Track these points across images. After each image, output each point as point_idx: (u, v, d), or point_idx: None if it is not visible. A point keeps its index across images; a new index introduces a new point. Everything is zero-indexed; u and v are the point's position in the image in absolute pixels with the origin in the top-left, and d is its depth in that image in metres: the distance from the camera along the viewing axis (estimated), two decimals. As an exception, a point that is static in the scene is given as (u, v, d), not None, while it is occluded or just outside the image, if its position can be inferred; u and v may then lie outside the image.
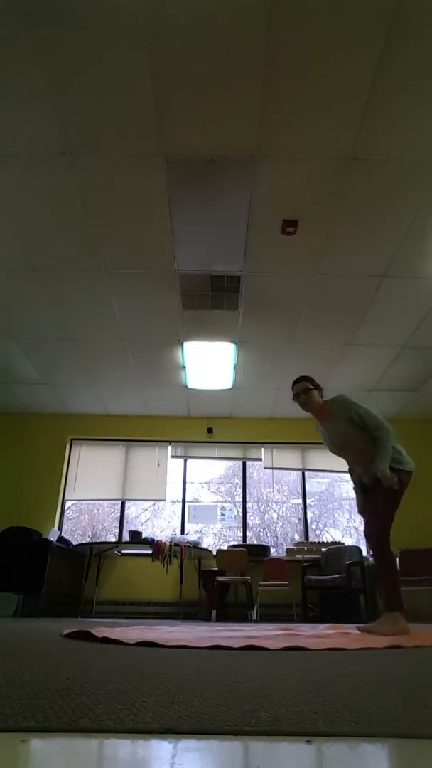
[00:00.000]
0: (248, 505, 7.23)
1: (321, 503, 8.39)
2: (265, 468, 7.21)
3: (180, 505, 7.05)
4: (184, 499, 7.07)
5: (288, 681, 0.97)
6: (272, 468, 7.21)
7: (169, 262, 4.13)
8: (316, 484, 7.75)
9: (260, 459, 7.19)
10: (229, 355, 5.55)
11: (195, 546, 6.17)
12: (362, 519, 3.14)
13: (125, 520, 7.17)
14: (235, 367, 5.82)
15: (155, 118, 2.94)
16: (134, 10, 2.40)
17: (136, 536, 6.15)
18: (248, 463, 7.32)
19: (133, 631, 2.41)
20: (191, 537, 6.45)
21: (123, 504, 7.14)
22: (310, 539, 6.93)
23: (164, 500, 7.05)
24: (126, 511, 7.26)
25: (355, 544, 6.13)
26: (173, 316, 4.85)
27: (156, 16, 2.43)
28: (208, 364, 5.75)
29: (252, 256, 4.04)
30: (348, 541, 6.79)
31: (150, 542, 6.00)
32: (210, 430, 7.17)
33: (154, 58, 2.61)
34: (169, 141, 3.08)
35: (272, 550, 6.63)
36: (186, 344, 5.34)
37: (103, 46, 2.56)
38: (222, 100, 2.83)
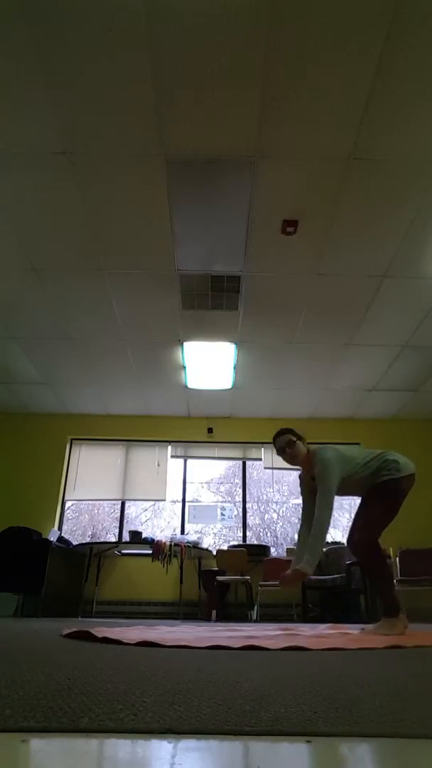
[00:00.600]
0: (248, 505, 7.23)
1: (321, 503, 8.36)
2: (265, 468, 7.21)
3: (180, 505, 7.05)
4: (184, 499, 7.07)
5: (288, 681, 0.97)
6: (272, 468, 7.21)
7: (169, 262, 4.13)
8: (316, 484, 7.74)
9: (260, 459, 7.19)
10: (229, 355, 5.55)
11: (195, 546, 6.17)
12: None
13: (125, 520, 7.17)
14: (235, 367, 5.82)
15: (155, 118, 2.94)
16: (134, 10, 2.40)
17: (136, 536, 6.15)
18: (248, 463, 7.32)
19: (133, 631, 2.41)
20: (191, 537, 6.45)
21: (123, 504, 7.14)
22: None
23: (164, 500, 7.05)
24: (126, 511, 7.26)
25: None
26: (173, 316, 4.85)
27: (156, 16, 2.43)
28: (208, 364, 5.75)
29: (252, 256, 4.04)
30: (348, 541, 6.77)
31: (150, 542, 5.99)
32: (210, 430, 7.17)
33: (154, 58, 2.61)
34: (169, 141, 3.08)
35: (272, 550, 6.63)
36: (186, 344, 5.34)
37: (103, 46, 2.56)
38: (222, 100, 2.83)
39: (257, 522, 9.00)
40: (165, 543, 5.95)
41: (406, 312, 4.72)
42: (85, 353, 5.58)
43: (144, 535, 6.18)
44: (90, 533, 8.83)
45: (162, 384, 6.29)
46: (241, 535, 6.94)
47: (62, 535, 6.38)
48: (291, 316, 4.83)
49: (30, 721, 0.62)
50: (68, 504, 7.16)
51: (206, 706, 0.72)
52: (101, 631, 2.09)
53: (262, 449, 7.21)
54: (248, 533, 6.98)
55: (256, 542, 7.15)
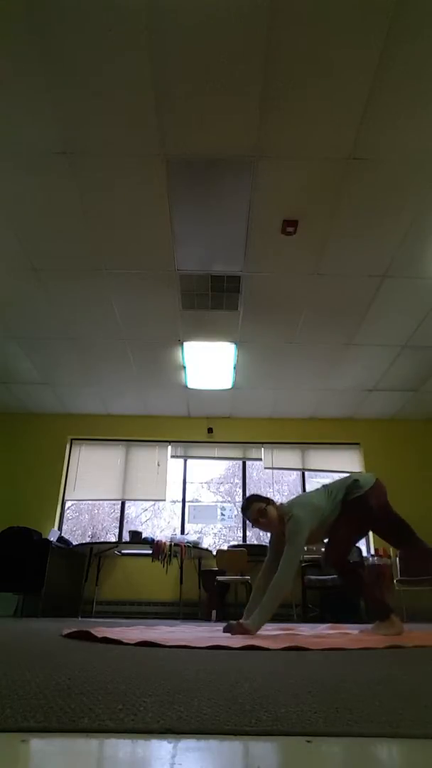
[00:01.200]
0: (248, 505, 7.22)
1: (321, 503, 8.38)
2: (265, 468, 7.21)
3: (180, 505, 7.05)
4: (184, 499, 7.07)
5: (288, 681, 0.97)
6: (272, 468, 7.21)
7: (169, 262, 4.13)
8: (316, 484, 7.73)
9: (260, 459, 7.19)
10: (229, 355, 5.55)
11: (195, 546, 6.17)
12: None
13: (125, 520, 7.17)
14: (235, 367, 5.82)
15: (155, 118, 2.94)
16: (135, 10, 2.40)
17: (136, 536, 6.15)
18: (248, 463, 7.32)
19: (133, 631, 2.41)
20: (191, 537, 6.45)
21: (123, 504, 7.14)
22: (310, 539, 6.92)
23: (164, 500, 7.05)
24: (126, 511, 7.26)
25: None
26: (173, 316, 4.85)
27: (156, 16, 2.43)
28: (208, 364, 5.75)
29: (252, 256, 4.04)
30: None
31: (150, 542, 5.99)
32: (210, 430, 7.17)
33: (154, 58, 2.61)
34: (169, 141, 3.08)
35: (272, 550, 6.62)
36: (186, 344, 5.34)
37: (103, 46, 2.55)
38: (222, 100, 2.83)
39: (257, 522, 8.99)
40: (165, 543, 5.95)
41: (406, 312, 4.72)
42: (85, 353, 5.58)
43: (144, 535, 6.18)
44: (90, 533, 8.82)
45: (162, 384, 6.29)
46: (241, 535, 6.94)
47: (62, 535, 6.38)
48: (291, 316, 4.83)
49: (30, 721, 0.62)
50: (68, 504, 7.16)
51: (206, 706, 0.72)
52: (101, 631, 2.09)
53: (262, 449, 7.21)
54: (248, 533, 6.98)
55: (256, 542, 7.14)
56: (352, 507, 2.77)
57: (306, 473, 7.26)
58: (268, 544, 2.93)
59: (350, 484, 2.82)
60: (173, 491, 7.09)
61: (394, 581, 5.67)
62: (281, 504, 2.82)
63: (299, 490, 7.25)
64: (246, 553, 5.68)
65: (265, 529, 2.84)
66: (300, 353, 5.49)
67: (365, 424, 7.18)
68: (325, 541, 2.85)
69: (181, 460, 7.26)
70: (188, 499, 7.14)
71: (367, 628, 2.80)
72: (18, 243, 3.91)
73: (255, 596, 2.72)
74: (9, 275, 4.29)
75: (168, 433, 7.18)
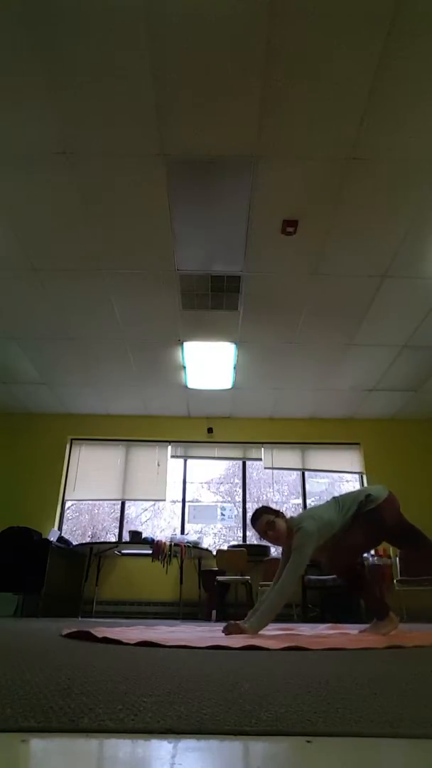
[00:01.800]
0: (248, 505, 7.23)
1: (321, 503, 8.39)
2: (265, 468, 7.21)
3: (180, 505, 7.05)
4: (184, 499, 7.07)
5: (288, 681, 0.97)
6: (272, 468, 7.21)
7: (169, 262, 4.13)
8: (316, 484, 7.74)
9: (260, 459, 7.19)
10: (229, 355, 5.55)
11: (195, 546, 6.16)
12: None
13: (125, 520, 7.17)
14: (235, 367, 5.82)
15: (155, 118, 2.94)
16: (134, 10, 2.40)
17: (136, 536, 6.14)
18: (248, 463, 7.32)
19: (133, 631, 2.41)
20: (191, 537, 6.45)
21: (123, 504, 7.14)
22: (310, 539, 6.91)
23: (164, 500, 7.05)
24: (126, 511, 7.26)
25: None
26: (173, 316, 4.85)
27: (156, 16, 2.43)
28: (208, 364, 5.75)
29: (252, 256, 4.04)
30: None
31: (150, 542, 5.99)
32: (210, 430, 7.17)
33: (154, 58, 2.61)
34: (169, 141, 3.08)
35: (272, 550, 6.62)
36: (186, 344, 5.34)
37: (103, 46, 2.56)
38: (222, 100, 2.83)
39: (257, 522, 8.98)
40: (165, 543, 5.95)
41: (406, 312, 4.72)
42: (85, 353, 5.58)
43: (144, 535, 6.17)
44: (90, 533, 8.82)
45: (162, 384, 6.29)
46: (241, 535, 6.94)
47: (62, 535, 6.38)
48: (291, 316, 4.83)
49: (30, 721, 0.62)
50: (68, 504, 7.16)
51: (206, 706, 0.72)
52: (101, 631, 2.09)
53: (262, 449, 7.21)
54: (248, 533, 6.97)
55: (256, 542, 7.14)
56: (365, 519, 2.74)
57: (306, 473, 7.26)
58: (268, 545, 2.92)
59: (363, 500, 2.78)
60: (173, 491, 7.09)
61: (394, 581, 5.67)
62: (291, 517, 2.78)
63: (299, 490, 7.25)
64: (246, 553, 5.68)
65: (273, 542, 2.81)
66: (300, 353, 5.49)
67: (365, 424, 7.18)
68: (333, 547, 2.79)
69: (181, 460, 7.26)
70: (188, 499, 7.14)
71: (367, 627, 2.80)
72: (18, 243, 3.91)
73: (260, 601, 2.69)
74: (9, 275, 4.29)
75: (168, 433, 7.18)
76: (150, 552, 5.92)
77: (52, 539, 5.78)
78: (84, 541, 7.06)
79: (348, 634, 2.61)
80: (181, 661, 1.29)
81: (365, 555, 5.76)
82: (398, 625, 2.69)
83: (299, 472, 7.29)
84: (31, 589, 5.20)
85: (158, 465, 7.09)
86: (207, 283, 4.39)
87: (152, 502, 8.30)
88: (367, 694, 0.84)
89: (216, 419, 7.22)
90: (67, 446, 7.13)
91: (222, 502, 8.10)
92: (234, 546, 6.37)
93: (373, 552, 6.12)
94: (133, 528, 6.64)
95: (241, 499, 7.13)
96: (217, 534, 8.04)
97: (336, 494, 3.03)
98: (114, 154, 3.17)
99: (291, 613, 5.86)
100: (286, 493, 8.60)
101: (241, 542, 6.78)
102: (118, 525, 7.13)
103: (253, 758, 0.55)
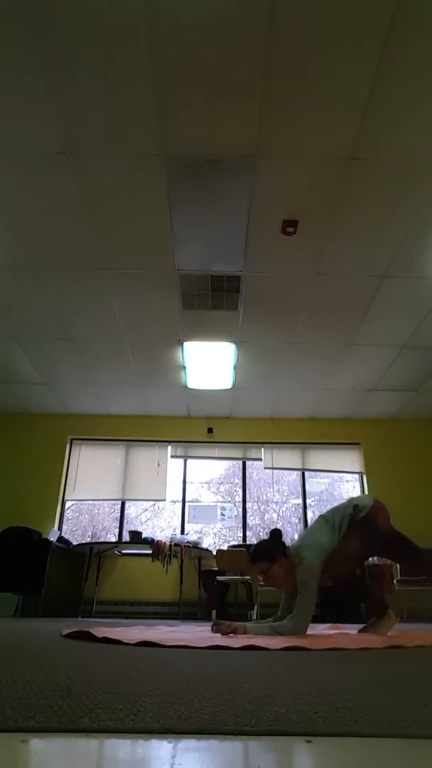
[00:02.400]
0: (248, 505, 7.23)
1: (321, 503, 8.39)
2: (265, 468, 7.21)
3: (180, 505, 7.05)
4: (184, 499, 7.07)
5: (288, 681, 0.97)
6: (272, 468, 7.21)
7: (169, 262, 4.13)
8: (316, 484, 7.75)
9: (260, 459, 7.19)
10: (229, 355, 5.55)
11: (195, 546, 6.16)
12: None
13: (125, 520, 7.17)
14: (235, 367, 5.82)
15: (155, 118, 2.94)
16: (134, 10, 2.40)
17: (136, 536, 6.14)
18: (248, 463, 7.32)
19: (133, 631, 2.41)
20: (191, 537, 6.45)
21: (123, 504, 7.14)
22: (310, 539, 6.92)
23: (164, 500, 7.05)
24: (126, 511, 7.26)
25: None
26: (173, 316, 4.85)
27: (156, 16, 2.43)
28: (208, 364, 5.75)
29: (252, 256, 4.04)
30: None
31: (150, 542, 5.99)
32: (210, 430, 7.17)
33: (154, 57, 2.61)
34: (169, 141, 3.08)
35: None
36: (186, 344, 5.34)
37: (103, 46, 2.55)
38: (222, 100, 2.83)
39: (257, 522, 8.99)
40: (165, 543, 5.95)
41: (406, 312, 4.72)
42: (85, 353, 5.58)
43: (144, 535, 6.17)
44: (90, 533, 8.82)
45: (162, 384, 6.29)
46: (241, 535, 6.94)
47: (62, 535, 6.38)
48: (291, 316, 4.83)
49: (30, 721, 0.62)
50: (68, 504, 7.16)
51: (206, 706, 0.72)
52: (101, 631, 2.09)
53: (262, 449, 7.21)
54: (248, 533, 6.98)
55: (256, 542, 7.15)
56: (359, 528, 2.71)
57: (306, 473, 7.26)
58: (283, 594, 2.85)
59: (351, 512, 2.75)
60: (173, 491, 7.09)
61: (394, 581, 5.67)
62: (288, 548, 2.71)
63: (299, 490, 7.25)
64: (246, 553, 5.67)
65: (272, 586, 2.77)
66: (300, 353, 5.49)
67: (365, 424, 7.18)
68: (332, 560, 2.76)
69: (181, 460, 7.26)
70: (188, 499, 7.14)
71: (364, 628, 2.80)
72: (18, 243, 3.91)
73: (268, 624, 2.55)
74: (9, 275, 4.29)
75: (168, 433, 7.18)
76: (150, 552, 5.92)
77: (52, 539, 5.78)
78: (84, 541, 7.06)
79: (348, 634, 2.61)
80: (181, 661, 1.29)
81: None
82: (396, 623, 2.69)
83: (299, 472, 7.29)
84: (31, 589, 5.20)
85: (158, 465, 7.09)
86: (207, 283, 4.39)
87: (152, 502, 8.30)
88: (367, 694, 0.84)
89: (216, 419, 7.22)
90: (67, 446, 7.13)
91: (222, 502, 8.10)
92: (234, 546, 6.36)
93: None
94: (133, 528, 6.63)
95: (241, 499, 7.13)
96: (217, 534, 8.04)
97: (336, 494, 3.02)
98: (114, 154, 3.17)
99: (291, 613, 5.86)
100: (286, 493, 8.60)
101: (241, 542, 6.78)
102: (118, 525, 7.13)
103: (253, 758, 0.55)
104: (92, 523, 9.17)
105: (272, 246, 3.92)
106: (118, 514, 7.20)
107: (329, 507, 2.97)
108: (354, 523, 2.73)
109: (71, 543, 6.24)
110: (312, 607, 2.47)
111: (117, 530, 7.07)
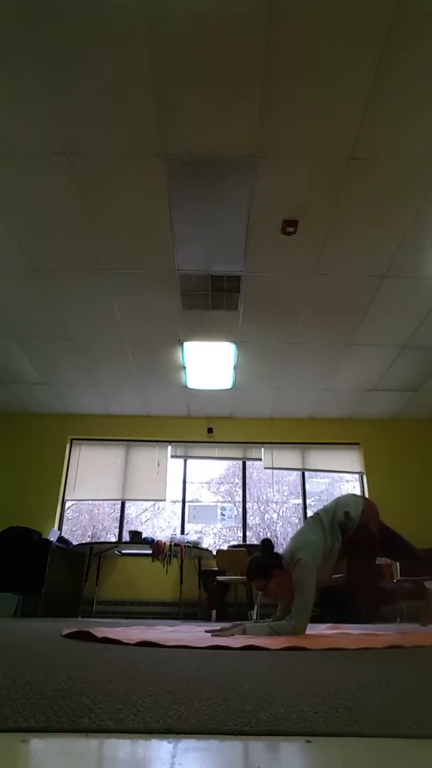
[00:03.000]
0: (248, 505, 7.23)
1: (321, 503, 8.40)
2: (265, 468, 7.21)
3: (180, 505, 7.05)
4: (184, 499, 7.07)
5: (288, 681, 0.97)
6: (272, 468, 7.21)
7: (169, 262, 4.13)
8: (316, 484, 7.75)
9: (260, 459, 7.19)
10: (229, 355, 5.55)
11: (195, 546, 6.16)
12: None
13: (125, 520, 7.17)
14: (235, 367, 5.82)
15: (155, 118, 2.94)
16: (134, 10, 2.40)
17: (136, 536, 6.14)
18: (248, 463, 7.32)
19: (133, 631, 2.41)
20: (191, 537, 6.45)
21: (123, 504, 7.14)
22: (310, 539, 6.92)
23: (164, 500, 7.05)
24: (126, 511, 7.26)
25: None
26: (173, 316, 4.85)
27: (156, 17, 2.43)
28: (208, 364, 5.75)
29: (252, 256, 4.04)
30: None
31: (150, 542, 5.99)
32: (210, 430, 7.17)
33: (154, 57, 2.61)
34: (169, 141, 3.08)
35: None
36: (186, 344, 5.34)
37: (103, 46, 2.56)
38: (222, 100, 2.83)
39: (257, 522, 8.99)
40: (165, 543, 5.95)
41: (406, 312, 4.72)
42: (85, 353, 5.58)
43: (144, 535, 6.17)
44: (90, 533, 8.82)
45: (162, 384, 6.29)
46: (241, 535, 6.94)
47: (62, 535, 6.38)
48: (291, 316, 4.83)
49: (30, 721, 0.62)
50: (68, 504, 7.16)
51: (206, 706, 0.72)
52: (101, 631, 2.09)
53: (262, 449, 7.21)
54: (248, 533, 6.98)
55: (256, 542, 7.14)
56: (356, 540, 2.70)
57: (306, 473, 7.26)
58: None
59: (343, 519, 2.72)
60: (173, 491, 7.09)
61: (394, 581, 5.66)
62: (282, 555, 2.68)
63: (299, 490, 7.25)
64: (246, 553, 5.67)
65: (274, 598, 2.76)
66: (300, 353, 5.49)
67: (365, 424, 7.18)
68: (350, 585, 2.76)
69: (181, 460, 7.26)
70: (188, 499, 7.14)
71: (373, 627, 2.80)
72: (18, 243, 3.91)
73: (267, 625, 2.53)
74: (9, 275, 4.29)
75: (168, 433, 7.18)
76: (150, 552, 5.92)
77: (52, 539, 5.78)
78: (84, 541, 7.07)
79: (348, 634, 2.61)
80: (181, 661, 1.29)
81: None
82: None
83: (299, 472, 7.29)
84: (31, 589, 5.20)
85: (158, 465, 7.09)
86: (207, 283, 4.39)
87: (152, 502, 8.31)
88: (367, 694, 0.84)
89: (216, 419, 7.22)
90: (67, 446, 7.13)
91: (222, 502, 8.10)
92: (234, 546, 6.37)
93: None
94: (133, 528, 6.64)
95: (241, 499, 7.13)
96: (217, 534, 8.04)
97: (336, 494, 3.01)
98: (114, 154, 3.17)
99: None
100: (286, 493, 8.60)
101: (241, 542, 6.78)
102: (118, 525, 7.13)
103: (253, 758, 0.55)
104: (92, 523, 9.17)
105: (272, 246, 3.92)
106: (118, 514, 7.21)
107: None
108: (350, 536, 2.70)
109: (71, 543, 6.24)
110: (310, 606, 2.46)
111: (117, 530, 7.07)
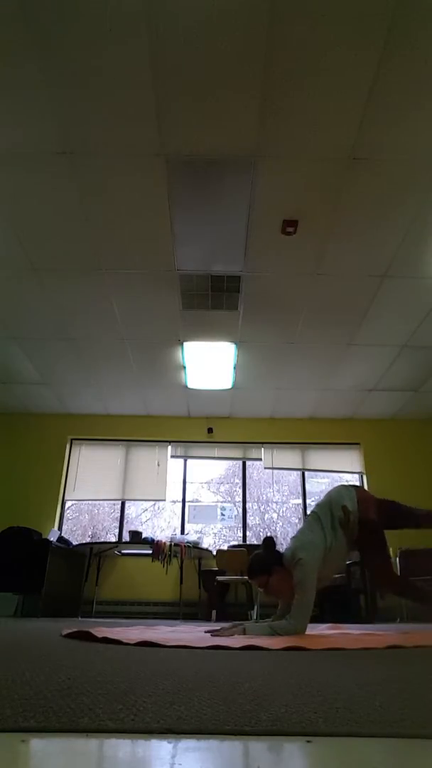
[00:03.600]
0: (248, 505, 7.23)
1: (321, 503, 8.39)
2: (265, 468, 7.21)
3: (180, 505, 7.05)
4: (184, 499, 7.07)
5: (288, 681, 0.97)
6: (272, 468, 7.21)
7: (169, 262, 4.13)
8: (316, 484, 7.75)
9: (260, 459, 7.19)
10: (229, 355, 5.55)
11: (195, 546, 6.16)
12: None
13: (125, 520, 7.17)
14: (235, 367, 5.82)
15: (155, 118, 2.94)
16: (134, 10, 2.40)
17: (136, 536, 6.14)
18: (248, 463, 7.32)
19: (133, 631, 2.41)
20: (191, 537, 6.45)
21: (123, 504, 7.14)
22: (310, 539, 6.92)
23: (164, 500, 7.05)
24: (126, 511, 7.26)
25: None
26: (173, 316, 4.85)
27: (156, 16, 2.43)
28: (208, 364, 5.75)
29: (252, 256, 4.04)
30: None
31: (150, 542, 5.99)
32: (210, 430, 7.17)
33: (154, 58, 2.61)
34: (169, 141, 3.08)
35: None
36: (186, 344, 5.34)
37: (103, 46, 2.55)
38: (222, 100, 2.83)
39: (257, 522, 8.99)
40: (165, 543, 5.95)
41: (406, 312, 4.72)
42: (85, 353, 5.58)
43: (144, 535, 6.18)
44: (90, 533, 8.82)
45: (162, 384, 6.29)
46: (241, 535, 6.94)
47: (62, 535, 6.38)
48: (291, 316, 4.82)
49: (30, 721, 0.62)
50: (68, 504, 7.16)
51: (206, 706, 0.72)
52: (101, 631, 2.09)
53: (262, 449, 7.21)
54: (248, 533, 6.98)
55: (256, 542, 7.14)
56: (364, 533, 2.70)
57: (306, 473, 7.26)
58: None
59: (341, 515, 2.70)
60: (173, 491, 7.09)
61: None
62: (284, 554, 2.66)
63: (299, 490, 7.25)
64: (246, 553, 5.67)
65: (275, 596, 2.74)
66: (300, 353, 5.49)
67: (365, 424, 7.18)
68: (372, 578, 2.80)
69: (181, 460, 7.26)
70: (188, 499, 7.14)
71: (373, 627, 2.80)
72: (18, 243, 3.91)
73: (267, 625, 2.52)
74: (9, 275, 4.29)
75: (168, 433, 7.18)
76: (150, 552, 5.92)
77: (52, 539, 5.78)
78: (84, 541, 7.07)
79: (348, 634, 2.61)
80: (181, 661, 1.29)
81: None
82: None
83: (299, 472, 7.29)
84: (31, 589, 5.20)
85: (158, 465, 7.09)
86: (207, 283, 4.39)
87: (152, 502, 8.31)
88: (367, 694, 0.84)
89: (216, 419, 7.22)
90: (67, 446, 7.13)
91: (222, 502, 8.11)
92: (234, 546, 6.37)
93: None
94: (133, 528, 6.64)
95: (241, 499, 7.13)
96: (217, 534, 8.04)
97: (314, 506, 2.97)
98: (114, 154, 3.17)
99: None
100: (286, 493, 8.61)
101: (241, 542, 6.78)
102: (118, 525, 7.13)
103: (253, 758, 0.55)
104: (92, 523, 9.17)
105: (272, 246, 3.92)
106: (118, 514, 7.21)
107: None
108: (357, 538, 2.68)
109: (71, 543, 6.24)
110: (310, 606, 2.46)
111: (117, 530, 7.07)
